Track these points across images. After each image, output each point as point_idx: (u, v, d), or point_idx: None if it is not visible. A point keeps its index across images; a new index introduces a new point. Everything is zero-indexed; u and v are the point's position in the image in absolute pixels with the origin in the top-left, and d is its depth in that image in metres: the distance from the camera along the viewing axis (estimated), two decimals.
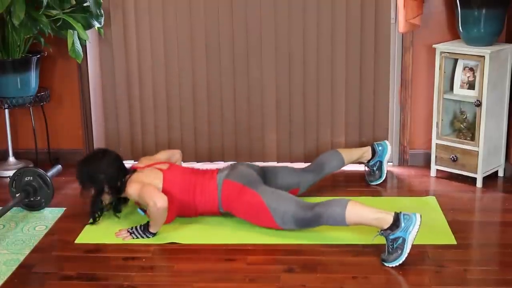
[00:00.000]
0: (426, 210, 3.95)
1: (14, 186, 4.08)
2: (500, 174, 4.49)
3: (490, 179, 4.40)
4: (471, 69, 4.31)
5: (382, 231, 3.36)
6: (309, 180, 4.10)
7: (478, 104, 4.22)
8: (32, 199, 4.05)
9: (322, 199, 3.96)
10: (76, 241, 3.66)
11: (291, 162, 4.73)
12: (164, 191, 3.71)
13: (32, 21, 4.28)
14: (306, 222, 3.56)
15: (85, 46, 4.62)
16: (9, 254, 3.54)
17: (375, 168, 4.36)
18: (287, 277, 3.26)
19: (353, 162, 4.34)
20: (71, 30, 4.34)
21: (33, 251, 3.57)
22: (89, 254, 3.53)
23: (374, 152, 4.35)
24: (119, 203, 3.87)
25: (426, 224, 3.76)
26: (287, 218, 3.57)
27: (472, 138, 4.33)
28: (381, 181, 4.37)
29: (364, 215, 3.42)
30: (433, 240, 3.57)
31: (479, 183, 4.31)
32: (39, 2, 4.24)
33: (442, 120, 4.42)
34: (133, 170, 3.85)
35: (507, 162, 4.47)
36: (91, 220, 3.83)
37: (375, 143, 4.37)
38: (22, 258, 3.49)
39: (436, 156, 4.47)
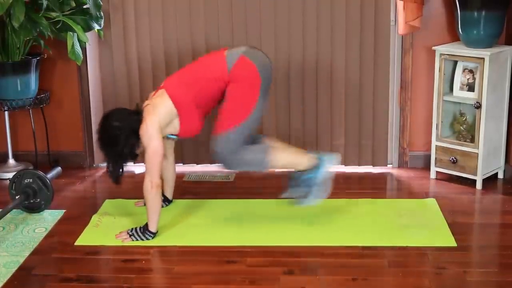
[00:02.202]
0: (426, 212, 3.96)
1: (13, 188, 4.08)
2: (500, 176, 4.49)
3: (490, 181, 4.40)
4: (471, 71, 4.32)
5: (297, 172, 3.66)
6: None
7: (478, 106, 4.22)
8: (31, 201, 4.05)
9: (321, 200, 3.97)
10: (75, 243, 3.66)
11: None
12: (174, 99, 3.64)
13: (32, 23, 4.29)
14: (229, 159, 3.63)
15: (85, 48, 4.63)
16: (9, 256, 3.54)
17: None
18: (287, 279, 3.26)
19: None
20: (70, 32, 4.34)
21: (32, 253, 3.57)
22: (88, 256, 3.53)
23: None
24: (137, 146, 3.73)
25: (426, 226, 3.77)
26: (229, 140, 3.59)
27: (472, 140, 4.33)
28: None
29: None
30: (433, 242, 3.57)
31: (479, 185, 4.31)
32: (39, 4, 4.24)
33: (441, 122, 4.42)
34: (141, 110, 3.72)
35: (507, 164, 4.47)
36: (115, 179, 3.76)
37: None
38: (21, 260, 3.49)
39: (436, 158, 4.47)
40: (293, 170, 3.74)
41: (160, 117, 3.63)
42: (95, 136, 3.82)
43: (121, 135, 3.64)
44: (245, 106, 3.64)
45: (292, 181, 3.77)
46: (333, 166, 3.69)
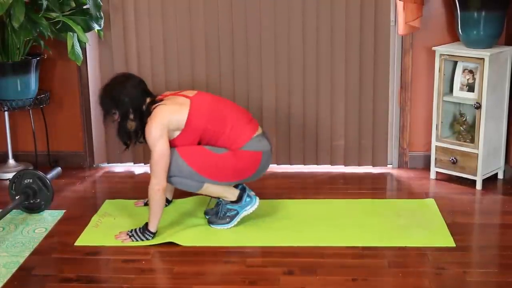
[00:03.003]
0: (425, 213, 3.96)
1: (13, 188, 4.08)
2: (500, 176, 4.49)
3: (490, 181, 4.40)
4: (471, 72, 4.32)
5: (223, 200, 3.78)
6: None
7: (478, 107, 4.22)
8: (31, 201, 4.05)
9: (320, 201, 3.98)
10: (75, 244, 3.66)
11: (291, 164, 4.73)
12: (190, 116, 3.63)
13: (32, 24, 4.29)
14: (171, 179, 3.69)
15: (85, 48, 4.63)
16: (9, 256, 3.54)
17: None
18: (287, 279, 3.26)
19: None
20: (70, 33, 4.34)
21: (32, 253, 3.57)
22: (88, 256, 3.53)
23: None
24: (142, 130, 3.72)
25: (426, 226, 3.77)
26: (190, 174, 3.66)
27: (472, 140, 4.33)
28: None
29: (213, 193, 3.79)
30: (432, 243, 3.57)
31: (478, 185, 4.31)
32: (39, 4, 4.24)
33: (441, 122, 4.42)
34: (160, 100, 3.72)
35: (507, 164, 4.47)
36: (124, 147, 3.80)
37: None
38: (21, 260, 3.49)
39: (435, 158, 4.47)
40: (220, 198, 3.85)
41: (170, 120, 3.61)
42: (97, 100, 3.79)
43: (123, 107, 3.64)
44: (229, 175, 3.72)
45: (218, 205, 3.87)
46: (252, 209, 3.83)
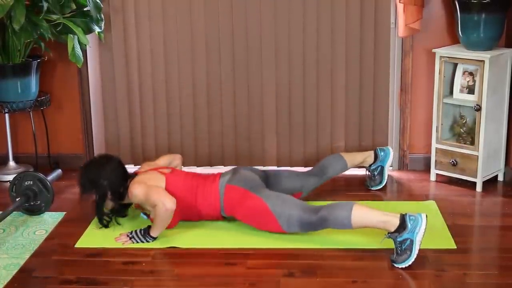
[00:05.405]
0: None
1: (14, 190, 4.08)
2: (500, 178, 4.49)
3: (490, 184, 4.40)
4: (471, 74, 4.32)
5: (389, 234, 3.38)
6: (312, 183, 4.11)
7: (478, 109, 4.23)
8: (32, 203, 4.05)
9: (321, 204, 3.96)
10: (76, 246, 3.66)
11: (291, 166, 4.73)
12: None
13: (32, 26, 4.29)
14: (311, 226, 3.56)
15: (85, 50, 4.63)
16: (9, 258, 3.54)
17: (376, 173, 4.36)
18: (287, 281, 3.26)
19: (355, 166, 4.35)
20: (71, 35, 4.34)
21: (33, 255, 3.57)
22: (89, 258, 3.53)
23: (376, 157, 4.35)
24: (122, 209, 3.88)
25: (426, 228, 3.76)
26: (292, 222, 3.58)
27: (472, 143, 4.33)
28: (381, 186, 4.37)
29: (370, 218, 3.43)
30: (433, 244, 3.57)
31: (479, 188, 4.32)
32: (39, 6, 4.25)
33: (441, 124, 4.42)
34: (135, 174, 3.86)
35: (507, 167, 4.47)
36: (100, 226, 3.84)
37: (378, 148, 4.37)
38: (22, 262, 3.49)
39: (436, 161, 4.48)
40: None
41: (149, 191, 3.67)
42: (81, 171, 3.86)
43: (101, 190, 3.74)
44: (263, 214, 3.64)
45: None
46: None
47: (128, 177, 3.83)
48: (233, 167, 4.04)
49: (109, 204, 3.80)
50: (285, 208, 3.59)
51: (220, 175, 3.85)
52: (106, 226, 3.84)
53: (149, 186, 3.67)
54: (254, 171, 3.91)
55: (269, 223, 3.63)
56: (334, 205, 3.54)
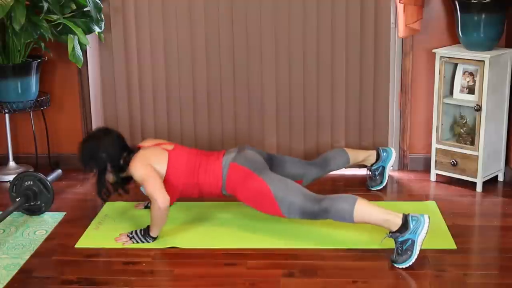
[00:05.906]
0: None
1: (14, 190, 4.09)
2: (500, 178, 4.49)
3: (490, 184, 4.40)
4: (471, 74, 4.32)
5: (391, 234, 3.37)
6: (313, 173, 4.09)
7: (478, 109, 4.23)
8: (32, 203, 4.05)
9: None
10: (76, 246, 3.66)
11: None
12: (169, 171, 3.70)
13: (32, 26, 4.29)
14: (312, 215, 3.53)
15: (86, 51, 4.63)
16: (9, 258, 3.54)
17: (377, 173, 4.36)
18: (287, 281, 3.26)
19: (357, 163, 4.35)
20: (71, 35, 4.34)
21: (33, 255, 3.57)
22: (89, 258, 3.53)
23: (378, 157, 4.35)
24: (124, 182, 3.83)
25: None
26: (293, 209, 3.55)
27: (472, 143, 4.33)
28: (382, 187, 4.37)
29: (372, 214, 3.41)
30: (433, 245, 3.56)
31: (479, 188, 4.32)
32: (39, 7, 4.25)
33: (442, 124, 4.43)
34: (138, 148, 3.83)
35: (507, 167, 4.47)
36: (101, 199, 3.85)
37: (380, 148, 4.37)
38: (22, 262, 3.49)
39: (436, 161, 4.48)
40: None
41: (151, 161, 3.68)
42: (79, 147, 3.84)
43: (100, 162, 3.72)
44: (265, 197, 3.60)
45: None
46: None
47: (130, 150, 3.80)
48: (238, 145, 4.00)
49: (110, 177, 3.77)
50: (288, 194, 3.56)
51: (224, 152, 3.83)
52: (106, 200, 3.85)
53: (148, 173, 3.61)
54: (259, 152, 3.88)
55: (269, 207, 3.60)
56: (337, 197, 3.50)
